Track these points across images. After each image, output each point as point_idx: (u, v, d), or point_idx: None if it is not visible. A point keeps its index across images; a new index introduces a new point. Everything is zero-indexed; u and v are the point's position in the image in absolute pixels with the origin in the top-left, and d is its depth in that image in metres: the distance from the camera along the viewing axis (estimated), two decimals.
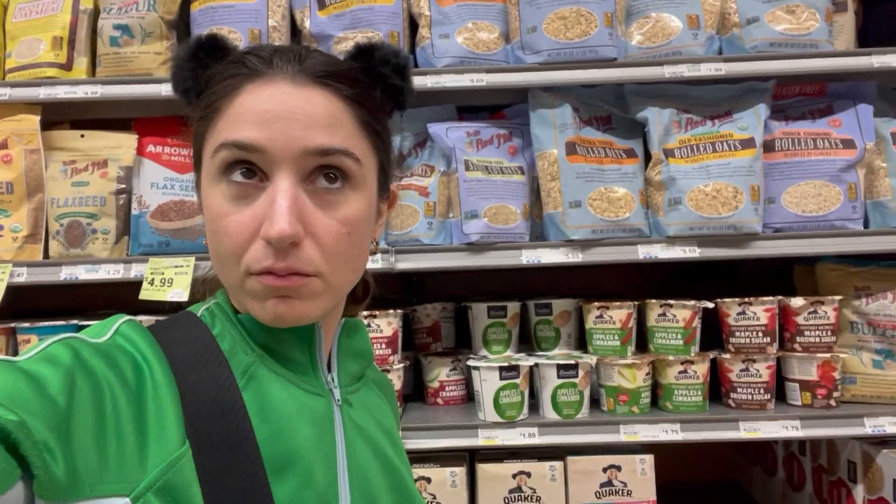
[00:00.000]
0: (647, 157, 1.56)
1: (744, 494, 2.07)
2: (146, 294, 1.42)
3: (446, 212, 1.51)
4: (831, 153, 1.48)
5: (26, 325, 1.47)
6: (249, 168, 0.59)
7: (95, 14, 1.54)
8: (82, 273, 1.45)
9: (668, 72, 1.46)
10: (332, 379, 0.69)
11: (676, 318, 1.49)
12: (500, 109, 1.66)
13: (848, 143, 1.49)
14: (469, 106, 1.67)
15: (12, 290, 1.42)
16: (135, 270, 1.46)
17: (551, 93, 1.51)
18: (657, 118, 1.51)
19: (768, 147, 1.51)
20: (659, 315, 1.51)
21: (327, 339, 0.70)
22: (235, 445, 0.57)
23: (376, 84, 0.68)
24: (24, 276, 1.45)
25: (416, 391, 1.78)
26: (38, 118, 1.50)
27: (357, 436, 0.69)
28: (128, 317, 0.62)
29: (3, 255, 1.46)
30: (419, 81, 1.45)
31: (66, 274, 1.45)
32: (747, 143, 1.47)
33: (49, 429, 0.46)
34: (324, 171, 0.61)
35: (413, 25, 1.56)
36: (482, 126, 1.54)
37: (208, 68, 0.65)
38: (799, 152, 1.51)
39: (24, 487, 0.45)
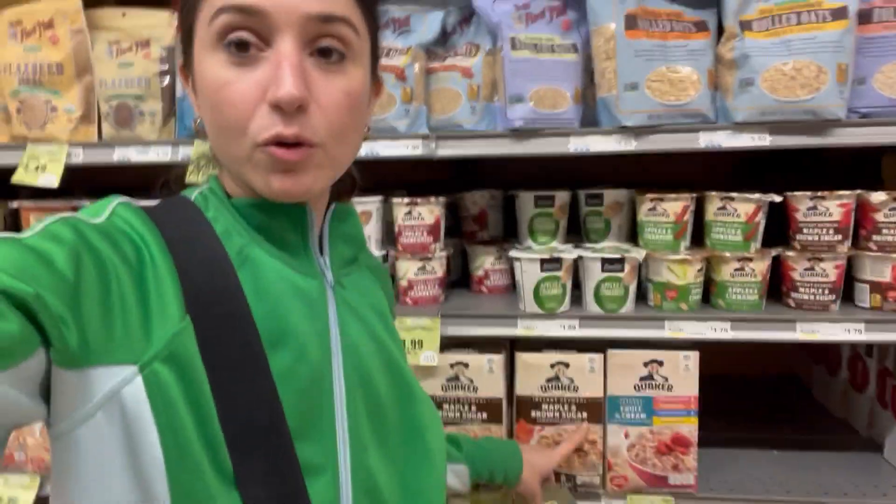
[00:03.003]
0: (722, 31, 1.39)
1: (803, 390, 2.03)
2: (193, 177, 1.44)
3: (491, 95, 1.42)
4: None
5: (87, 203, 1.53)
6: (250, 34, 0.58)
7: None
8: (134, 155, 1.48)
9: None
10: (325, 262, 0.71)
11: (738, 212, 1.39)
12: None
13: None
14: None
15: (67, 169, 1.47)
16: (182, 153, 1.48)
17: None
18: None
19: (864, 18, 1.30)
20: (718, 209, 1.41)
21: (318, 223, 0.71)
22: (233, 319, 0.59)
23: None
24: (80, 157, 1.49)
25: (463, 277, 1.78)
26: None
27: (350, 315, 0.71)
28: (123, 198, 0.64)
29: (60, 136, 1.51)
30: None
31: (119, 155, 1.49)
32: (839, 14, 1.27)
33: (62, 301, 0.48)
34: (324, 39, 0.60)
35: None
36: None
37: None
38: None
39: (44, 353, 0.49)
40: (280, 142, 0.59)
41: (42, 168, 1.46)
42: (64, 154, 1.48)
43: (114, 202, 0.63)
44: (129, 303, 0.55)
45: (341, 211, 0.75)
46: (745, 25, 1.33)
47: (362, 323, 0.72)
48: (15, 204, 1.57)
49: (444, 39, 1.48)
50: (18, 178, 1.44)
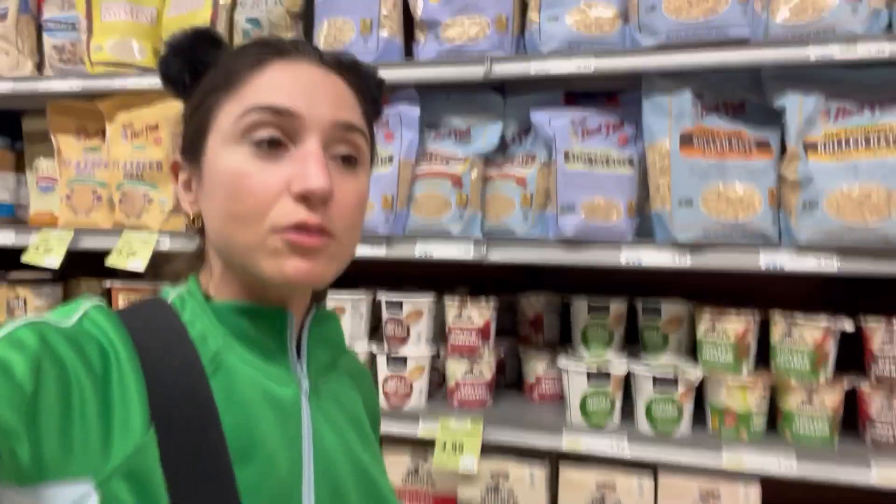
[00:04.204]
0: (785, 149, 1.36)
1: None
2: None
3: (545, 203, 1.45)
4: None
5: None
6: (278, 132, 0.62)
7: (232, 7, 1.67)
8: None
9: (813, 54, 1.25)
10: (301, 368, 0.70)
11: (804, 337, 1.30)
12: (617, 94, 1.54)
13: None
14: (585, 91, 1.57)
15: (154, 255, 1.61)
16: None
17: (671, 77, 1.37)
18: (798, 106, 1.30)
19: None
20: (783, 333, 1.33)
21: (296, 327, 0.71)
22: (200, 431, 0.58)
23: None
24: (167, 244, 1.64)
25: (519, 380, 1.75)
26: None
27: (324, 425, 0.69)
28: (96, 300, 0.63)
29: (152, 225, 1.66)
30: (522, 68, 1.39)
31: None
32: None
33: (16, 414, 0.47)
34: (342, 146, 0.66)
35: (524, 7, 1.49)
36: (589, 113, 1.44)
37: (201, 57, 0.69)
38: None
39: None
40: (299, 228, 0.61)
41: (133, 253, 1.61)
42: (154, 242, 1.62)
43: (86, 304, 0.61)
44: (90, 415, 0.53)
45: (322, 316, 0.75)
46: (810, 147, 1.30)
47: (337, 433, 0.71)
48: (107, 283, 1.73)
49: (503, 148, 1.53)
50: (111, 261, 1.60)
